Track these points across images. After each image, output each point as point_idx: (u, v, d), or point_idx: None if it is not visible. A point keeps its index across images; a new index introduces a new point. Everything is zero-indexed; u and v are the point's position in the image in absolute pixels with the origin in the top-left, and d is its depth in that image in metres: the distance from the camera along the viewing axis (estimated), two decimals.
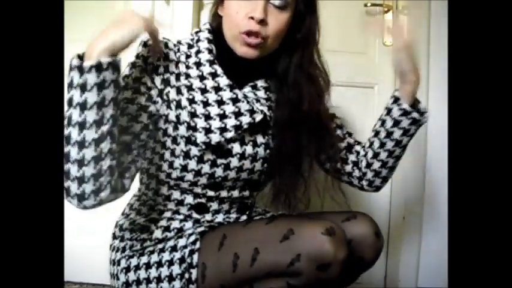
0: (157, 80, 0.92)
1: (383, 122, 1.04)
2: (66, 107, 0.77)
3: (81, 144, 0.76)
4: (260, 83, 1.00)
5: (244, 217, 1.02)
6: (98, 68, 0.75)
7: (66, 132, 0.76)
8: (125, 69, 0.94)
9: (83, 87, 0.75)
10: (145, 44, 0.93)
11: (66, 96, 0.77)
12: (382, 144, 1.04)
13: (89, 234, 1.60)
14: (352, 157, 1.11)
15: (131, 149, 0.89)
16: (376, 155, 1.06)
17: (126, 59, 0.89)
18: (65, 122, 0.77)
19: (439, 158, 1.60)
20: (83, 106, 0.75)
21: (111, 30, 0.78)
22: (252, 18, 0.89)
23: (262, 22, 0.90)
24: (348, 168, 1.11)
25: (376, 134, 1.05)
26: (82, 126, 0.76)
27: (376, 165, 1.06)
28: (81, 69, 0.74)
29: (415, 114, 1.00)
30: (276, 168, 1.00)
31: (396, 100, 1.01)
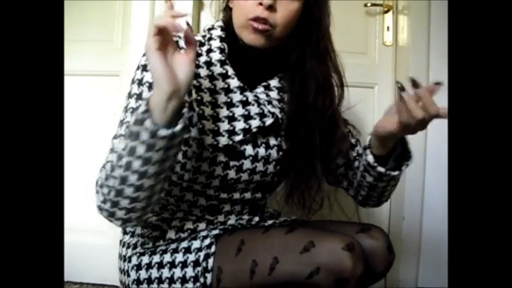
0: None
1: (359, 163, 1.02)
2: (122, 150, 0.75)
3: (138, 188, 0.77)
4: (273, 83, 0.98)
5: (256, 218, 1.01)
6: (172, 137, 0.73)
7: (120, 172, 0.76)
8: (136, 72, 0.92)
9: (151, 147, 0.73)
10: None
11: (124, 141, 0.76)
12: (360, 185, 1.03)
13: (89, 234, 1.60)
14: (350, 174, 1.09)
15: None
16: (358, 190, 1.05)
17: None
18: (122, 163, 0.75)
19: (438, 157, 1.60)
20: (146, 161, 0.74)
21: (163, 81, 0.72)
22: (260, 4, 0.87)
23: (271, 8, 0.88)
24: (345, 184, 1.10)
25: (356, 170, 1.03)
26: (142, 175, 0.76)
27: (362, 195, 1.06)
28: (153, 134, 0.72)
29: (380, 169, 0.96)
30: (290, 166, 0.99)
31: (367, 147, 0.98)
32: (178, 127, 0.73)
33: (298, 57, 0.97)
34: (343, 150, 1.02)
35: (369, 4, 1.69)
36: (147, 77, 0.89)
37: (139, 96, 0.88)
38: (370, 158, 0.96)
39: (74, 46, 1.55)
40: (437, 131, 1.58)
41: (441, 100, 1.47)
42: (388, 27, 1.71)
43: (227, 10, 0.99)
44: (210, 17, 1.61)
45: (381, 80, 1.70)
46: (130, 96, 0.91)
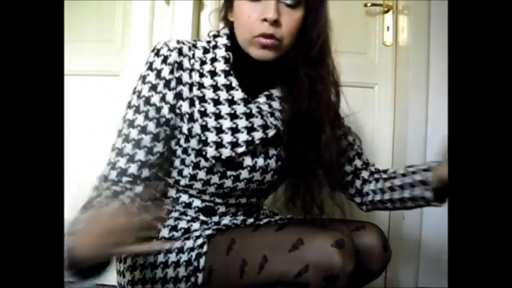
0: (169, 95, 0.90)
1: (402, 187, 1.04)
2: None
3: None
4: (276, 93, 0.97)
5: (251, 220, 1.01)
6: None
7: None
8: (137, 82, 0.92)
9: None
10: (158, 53, 0.91)
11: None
12: (391, 201, 1.06)
13: None
14: (357, 183, 1.11)
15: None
16: (382, 202, 1.08)
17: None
18: None
19: (438, 158, 1.59)
20: None
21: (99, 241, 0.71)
22: (265, 20, 0.86)
23: (276, 23, 0.87)
24: (352, 191, 1.12)
25: (391, 189, 1.06)
26: None
27: (379, 206, 1.09)
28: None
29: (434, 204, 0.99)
30: (288, 173, 0.99)
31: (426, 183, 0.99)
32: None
33: (296, 61, 0.95)
34: (327, 157, 0.98)
35: (369, 4, 1.69)
36: (145, 90, 0.90)
37: (137, 109, 0.90)
38: (429, 195, 0.98)
39: (74, 46, 1.55)
40: (437, 131, 1.58)
41: (441, 100, 1.47)
42: (388, 27, 1.71)
43: (227, 21, 0.97)
44: (210, 17, 1.62)
45: (380, 80, 1.70)
46: (129, 106, 0.91)
